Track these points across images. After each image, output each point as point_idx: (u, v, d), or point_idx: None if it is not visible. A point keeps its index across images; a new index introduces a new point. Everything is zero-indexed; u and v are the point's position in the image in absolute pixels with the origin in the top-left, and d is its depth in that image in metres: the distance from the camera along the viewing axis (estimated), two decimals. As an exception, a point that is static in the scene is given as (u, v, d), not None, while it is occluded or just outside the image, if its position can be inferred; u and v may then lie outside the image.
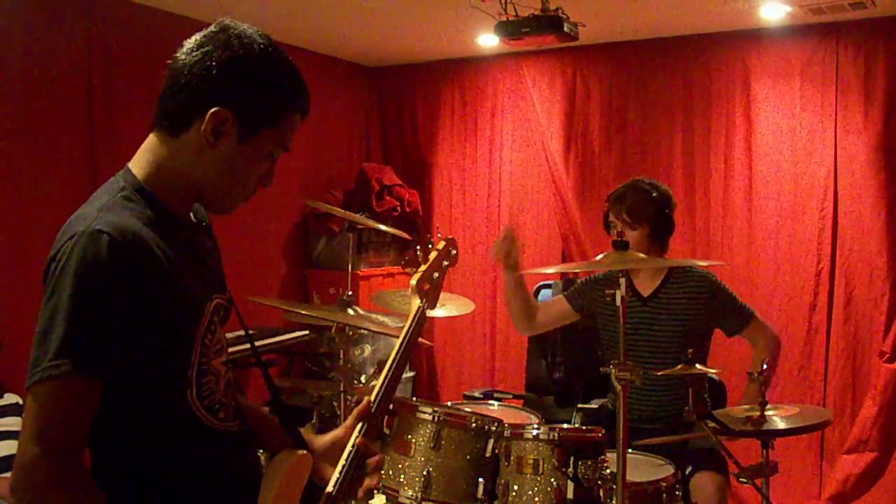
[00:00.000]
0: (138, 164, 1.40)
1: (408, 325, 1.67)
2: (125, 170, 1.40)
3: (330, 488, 1.44)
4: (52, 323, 1.23)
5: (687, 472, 2.67)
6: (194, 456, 1.39)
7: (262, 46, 1.38)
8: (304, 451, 1.49)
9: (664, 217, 2.95)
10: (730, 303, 2.94)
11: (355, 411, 1.53)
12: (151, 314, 1.28)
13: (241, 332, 1.61)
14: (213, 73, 1.34)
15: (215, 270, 1.52)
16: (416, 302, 1.72)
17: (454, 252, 1.88)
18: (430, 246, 1.83)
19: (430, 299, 1.76)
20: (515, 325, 3.26)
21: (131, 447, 1.33)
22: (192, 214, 1.48)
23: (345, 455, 1.48)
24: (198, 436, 1.38)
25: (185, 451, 1.38)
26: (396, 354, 1.61)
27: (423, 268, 1.77)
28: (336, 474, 1.46)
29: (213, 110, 1.33)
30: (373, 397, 1.55)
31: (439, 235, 1.89)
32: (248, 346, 1.63)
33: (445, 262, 1.84)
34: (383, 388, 1.55)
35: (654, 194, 2.95)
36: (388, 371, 1.58)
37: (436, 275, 1.79)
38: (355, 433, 1.50)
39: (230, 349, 1.53)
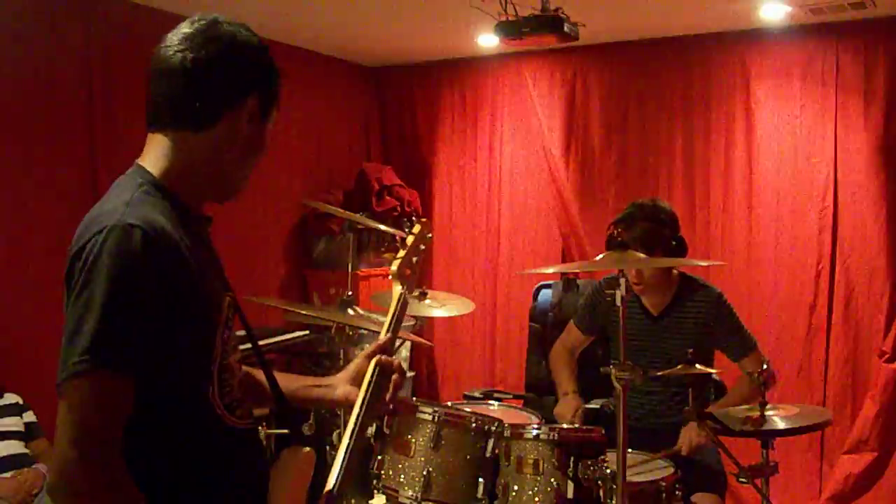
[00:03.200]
0: (153, 162, 1.39)
1: (392, 311, 1.71)
2: (137, 167, 1.40)
3: (329, 486, 1.46)
4: (84, 318, 1.20)
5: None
6: (214, 454, 1.39)
7: (252, 32, 1.45)
8: (308, 449, 1.52)
9: (679, 241, 2.92)
10: (736, 328, 2.94)
11: (370, 348, 1.64)
12: (180, 310, 1.28)
13: (237, 334, 1.61)
14: (238, 66, 1.40)
15: (222, 268, 1.53)
16: (398, 288, 1.76)
17: (429, 235, 1.91)
18: (407, 231, 1.87)
19: (411, 284, 1.80)
20: None
21: (151, 446, 1.32)
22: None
23: (342, 449, 1.51)
24: (218, 434, 1.39)
25: (205, 449, 1.38)
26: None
27: (402, 253, 1.81)
28: (336, 469, 1.48)
29: (250, 98, 1.40)
30: (359, 400, 1.58)
31: (414, 219, 1.91)
32: (246, 346, 1.64)
33: (422, 246, 1.87)
34: (364, 402, 1.59)
35: (664, 217, 2.91)
36: (370, 379, 1.61)
37: (415, 259, 1.82)
38: (368, 376, 1.58)
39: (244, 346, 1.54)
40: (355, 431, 1.52)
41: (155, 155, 1.39)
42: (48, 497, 1.21)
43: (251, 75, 1.41)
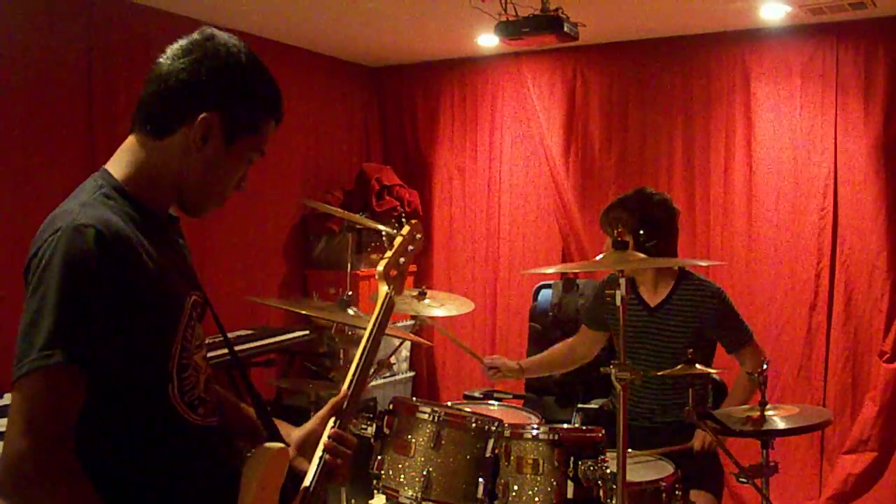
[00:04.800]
0: (116, 165, 1.42)
1: (377, 311, 1.69)
2: (102, 170, 1.43)
3: (307, 483, 1.47)
4: (38, 315, 1.23)
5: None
6: (174, 451, 1.39)
7: (247, 56, 1.42)
8: (282, 445, 1.51)
9: (647, 231, 2.88)
10: (734, 320, 2.95)
11: (330, 403, 1.59)
12: (135, 308, 1.29)
13: (236, 334, 1.61)
14: (202, 80, 1.37)
15: (190, 267, 1.54)
16: (384, 288, 1.74)
17: (419, 236, 1.88)
18: (395, 231, 1.85)
19: (398, 285, 1.77)
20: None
21: (111, 443, 1.33)
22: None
23: (320, 448, 1.51)
24: (178, 431, 1.39)
25: (165, 446, 1.38)
26: (367, 341, 1.63)
27: (388, 254, 1.79)
28: (312, 467, 1.49)
29: (203, 116, 1.37)
30: (345, 386, 1.58)
31: (404, 220, 1.90)
32: (246, 346, 1.64)
33: (411, 247, 1.85)
34: (356, 376, 1.59)
35: (640, 210, 2.91)
36: (360, 358, 1.61)
37: (402, 260, 1.80)
38: (329, 424, 1.54)
39: (223, 351, 1.54)
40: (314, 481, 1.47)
41: (120, 157, 1.43)
42: None
43: (211, 93, 1.37)
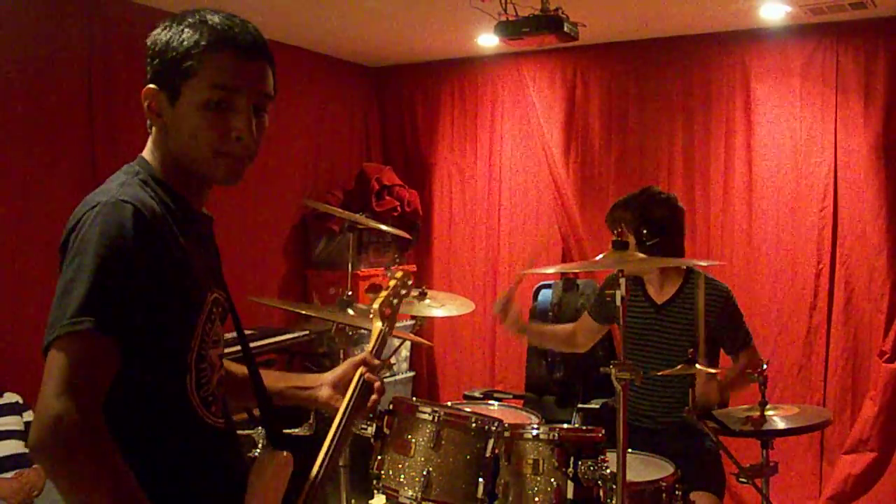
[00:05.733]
0: (149, 153, 1.44)
1: (371, 346, 1.77)
2: (139, 158, 1.45)
3: (313, 473, 1.51)
4: (74, 283, 1.23)
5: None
6: (183, 448, 1.39)
7: (167, 20, 1.45)
8: (286, 452, 1.53)
9: (649, 230, 2.89)
10: (737, 322, 2.94)
11: (357, 358, 1.70)
12: (163, 289, 1.30)
13: (241, 332, 1.62)
14: (152, 60, 1.42)
15: (217, 266, 1.55)
16: (378, 324, 1.83)
17: (409, 283, 1.99)
18: (388, 275, 1.97)
19: (391, 323, 1.87)
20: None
21: (124, 436, 1.30)
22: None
23: (327, 441, 1.56)
24: (189, 428, 1.39)
25: (175, 441, 1.38)
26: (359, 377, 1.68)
27: (384, 293, 1.89)
28: (320, 457, 1.53)
29: (141, 92, 1.40)
30: (343, 406, 1.64)
31: (396, 267, 2.03)
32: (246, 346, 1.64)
33: (403, 292, 1.95)
34: (348, 408, 1.64)
35: (642, 209, 2.92)
36: (354, 389, 1.66)
37: (395, 301, 1.90)
38: (353, 384, 1.64)
39: (227, 349, 1.54)
40: (338, 434, 1.59)
41: (148, 147, 1.45)
42: (37, 461, 1.20)
43: (146, 73, 1.42)
